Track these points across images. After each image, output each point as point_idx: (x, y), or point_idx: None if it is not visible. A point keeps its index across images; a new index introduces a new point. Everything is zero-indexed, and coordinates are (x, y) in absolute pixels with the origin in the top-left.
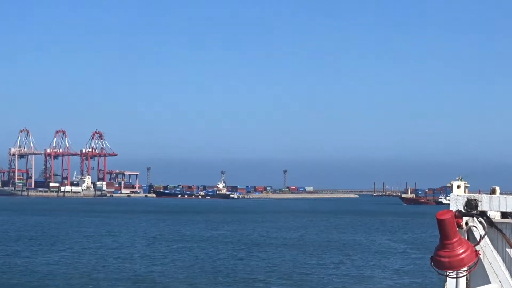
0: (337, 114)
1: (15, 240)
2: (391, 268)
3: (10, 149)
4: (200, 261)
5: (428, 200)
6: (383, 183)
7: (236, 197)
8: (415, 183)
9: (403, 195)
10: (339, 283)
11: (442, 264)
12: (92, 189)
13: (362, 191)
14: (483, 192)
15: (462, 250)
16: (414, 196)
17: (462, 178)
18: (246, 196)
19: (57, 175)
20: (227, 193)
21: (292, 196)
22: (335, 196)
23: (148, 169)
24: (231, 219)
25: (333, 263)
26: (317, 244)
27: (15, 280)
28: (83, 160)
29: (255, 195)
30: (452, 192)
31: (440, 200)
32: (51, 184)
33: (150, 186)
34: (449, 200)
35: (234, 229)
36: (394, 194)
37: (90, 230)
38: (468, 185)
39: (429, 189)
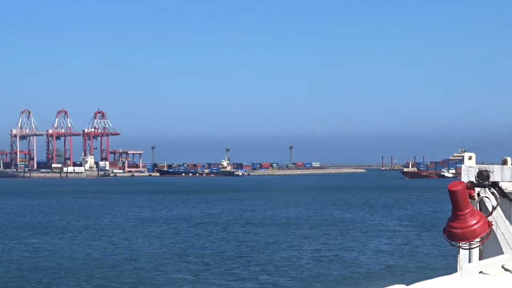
0: (345, 89)
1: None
2: (378, 248)
3: (11, 130)
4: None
5: (430, 173)
6: (391, 157)
7: (240, 174)
8: (423, 156)
9: (404, 169)
10: (324, 269)
11: (455, 236)
12: (95, 169)
13: (370, 166)
14: (487, 164)
15: (474, 221)
16: (416, 170)
17: (465, 151)
18: (251, 173)
19: (60, 156)
20: (232, 170)
21: (298, 172)
22: (342, 171)
23: (153, 148)
24: (228, 198)
25: (320, 244)
26: (305, 223)
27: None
28: (85, 140)
29: (261, 172)
30: (463, 163)
31: (442, 173)
32: (53, 165)
33: (154, 165)
34: (452, 174)
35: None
36: (401, 168)
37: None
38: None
39: (431, 162)
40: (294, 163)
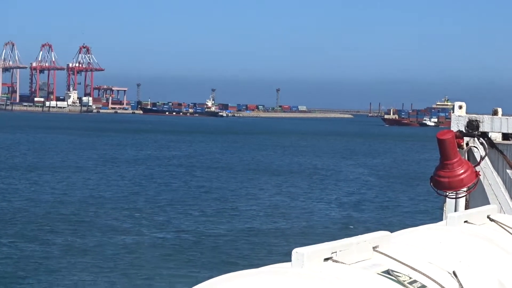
0: (333, 33)
1: None
2: (356, 197)
3: None
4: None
5: (411, 121)
6: (379, 103)
7: (225, 115)
8: (411, 104)
9: (385, 116)
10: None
11: (441, 184)
12: (78, 104)
13: (358, 111)
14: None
15: (462, 171)
16: (397, 117)
17: (448, 100)
18: (236, 115)
19: (43, 90)
20: (216, 111)
21: (284, 115)
22: (328, 116)
23: (138, 85)
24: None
25: (281, 192)
26: (271, 170)
27: None
28: (69, 75)
29: (246, 113)
30: (452, 112)
31: (424, 121)
32: (36, 99)
33: (138, 103)
34: (434, 122)
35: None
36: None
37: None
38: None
39: (413, 110)
40: (280, 106)
